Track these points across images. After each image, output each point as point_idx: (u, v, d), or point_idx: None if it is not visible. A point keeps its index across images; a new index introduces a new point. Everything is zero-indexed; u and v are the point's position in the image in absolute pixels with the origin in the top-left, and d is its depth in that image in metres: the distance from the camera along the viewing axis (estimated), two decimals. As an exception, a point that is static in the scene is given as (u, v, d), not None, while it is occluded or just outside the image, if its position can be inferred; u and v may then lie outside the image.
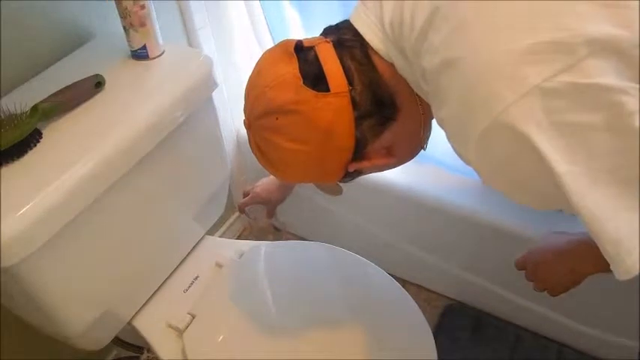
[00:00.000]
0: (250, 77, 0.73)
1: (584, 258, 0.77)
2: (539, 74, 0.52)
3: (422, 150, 0.80)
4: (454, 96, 0.59)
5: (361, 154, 0.72)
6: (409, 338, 0.99)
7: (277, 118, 0.68)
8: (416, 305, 1.03)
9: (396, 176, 1.37)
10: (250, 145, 0.76)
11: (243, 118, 0.74)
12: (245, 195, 1.16)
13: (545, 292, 0.86)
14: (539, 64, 0.52)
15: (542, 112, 0.52)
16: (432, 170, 1.37)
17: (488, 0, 0.56)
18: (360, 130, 0.69)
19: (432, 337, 0.98)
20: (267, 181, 1.13)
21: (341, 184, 0.84)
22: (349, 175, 0.76)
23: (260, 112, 0.70)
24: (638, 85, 0.51)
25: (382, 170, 0.80)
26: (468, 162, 0.62)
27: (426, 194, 1.35)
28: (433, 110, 0.66)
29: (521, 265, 0.88)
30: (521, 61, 0.53)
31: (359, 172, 0.76)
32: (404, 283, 1.08)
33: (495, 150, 0.57)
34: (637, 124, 0.50)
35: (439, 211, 1.34)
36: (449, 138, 0.64)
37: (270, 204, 1.15)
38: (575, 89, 0.51)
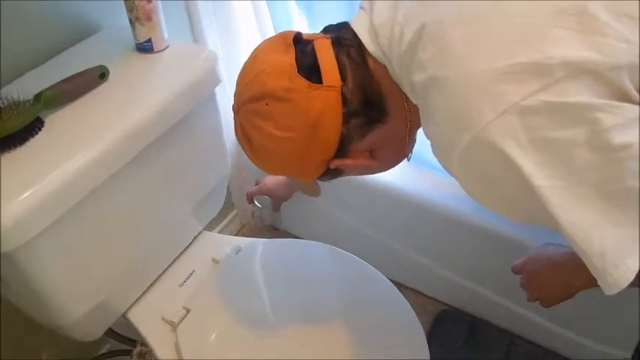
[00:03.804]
0: (246, 63, 0.73)
1: (579, 272, 0.75)
2: (517, 93, 0.53)
3: (406, 160, 0.80)
4: (439, 112, 0.61)
5: (344, 152, 0.72)
6: (402, 339, 0.99)
7: (267, 104, 0.68)
8: (409, 306, 1.03)
9: (394, 180, 1.37)
10: (235, 131, 0.75)
11: (232, 102, 0.74)
12: (256, 184, 1.18)
13: (538, 302, 0.86)
14: (517, 83, 0.54)
15: (521, 129, 0.53)
16: (430, 175, 1.37)
17: (472, 20, 0.58)
18: (347, 127, 0.70)
19: (425, 338, 0.98)
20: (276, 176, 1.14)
21: (322, 185, 0.84)
22: (329, 173, 0.76)
23: (251, 96, 0.70)
24: (614, 102, 0.52)
25: (363, 174, 0.81)
26: (453, 175, 0.63)
27: (423, 199, 1.36)
28: (422, 124, 0.67)
29: (517, 270, 0.89)
30: (501, 80, 0.54)
31: (339, 172, 0.77)
32: (400, 286, 1.08)
33: (478, 166, 0.58)
34: (613, 139, 0.51)
35: (437, 215, 1.35)
36: (434, 152, 0.65)
37: (277, 198, 1.16)
38: (552, 107, 0.53)
